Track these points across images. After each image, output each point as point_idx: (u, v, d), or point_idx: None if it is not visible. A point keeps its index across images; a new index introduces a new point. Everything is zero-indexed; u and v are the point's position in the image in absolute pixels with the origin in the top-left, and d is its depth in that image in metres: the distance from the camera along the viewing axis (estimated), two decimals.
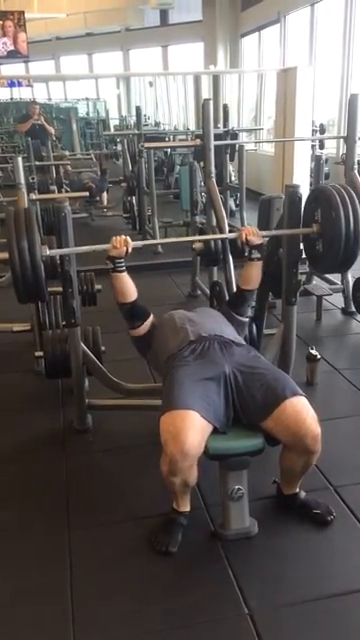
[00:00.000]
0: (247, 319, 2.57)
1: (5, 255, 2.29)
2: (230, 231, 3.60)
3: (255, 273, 2.52)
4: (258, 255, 2.49)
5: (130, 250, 2.38)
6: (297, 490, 2.18)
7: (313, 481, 2.28)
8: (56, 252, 2.45)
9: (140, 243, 2.45)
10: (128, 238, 2.39)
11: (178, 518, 2.07)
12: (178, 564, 1.98)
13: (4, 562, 2.05)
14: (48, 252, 2.38)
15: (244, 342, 2.36)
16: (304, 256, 2.70)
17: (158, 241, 2.48)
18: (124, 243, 2.37)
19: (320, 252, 2.54)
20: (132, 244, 2.39)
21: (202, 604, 1.83)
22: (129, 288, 2.42)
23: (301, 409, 1.96)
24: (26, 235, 2.27)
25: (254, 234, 2.48)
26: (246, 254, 2.52)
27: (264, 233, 2.55)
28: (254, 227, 2.55)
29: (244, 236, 2.47)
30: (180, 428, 1.86)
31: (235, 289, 2.57)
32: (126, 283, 2.41)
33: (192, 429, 1.87)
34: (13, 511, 2.31)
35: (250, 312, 2.66)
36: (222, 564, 1.96)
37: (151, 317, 2.48)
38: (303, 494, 2.18)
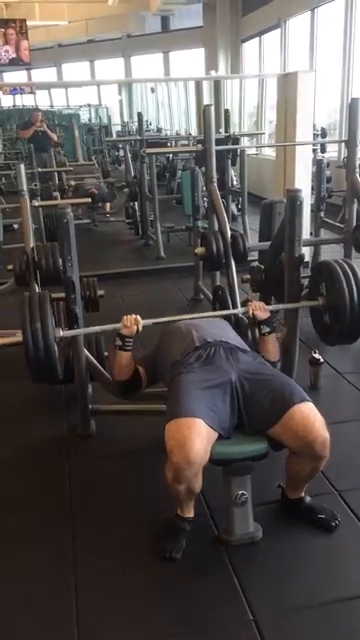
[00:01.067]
0: None
1: (19, 339, 2.31)
2: (233, 242, 3.59)
3: (272, 346, 2.46)
4: (268, 329, 2.45)
5: (141, 329, 2.37)
6: (302, 495, 2.17)
7: (318, 485, 2.27)
8: (70, 333, 2.49)
9: (150, 321, 2.45)
10: (138, 317, 2.39)
11: (182, 524, 2.06)
12: (182, 570, 1.98)
13: (9, 568, 2.04)
14: (62, 333, 2.41)
15: (249, 348, 2.35)
16: (307, 260, 2.71)
17: (169, 318, 2.51)
18: (134, 322, 2.37)
19: (328, 324, 2.57)
20: (142, 322, 2.39)
21: (207, 610, 1.83)
22: (128, 368, 2.41)
23: (309, 415, 1.96)
24: (40, 320, 2.29)
25: (261, 309, 2.45)
26: (257, 329, 2.49)
27: (271, 308, 2.53)
28: (261, 303, 2.52)
29: (251, 311, 2.45)
30: (186, 436, 1.86)
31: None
32: (128, 363, 2.40)
33: (198, 437, 1.87)
34: (17, 517, 2.31)
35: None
36: (226, 570, 1.96)
37: (141, 371, 2.45)
38: (308, 499, 2.18)
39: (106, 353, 2.95)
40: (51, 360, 2.32)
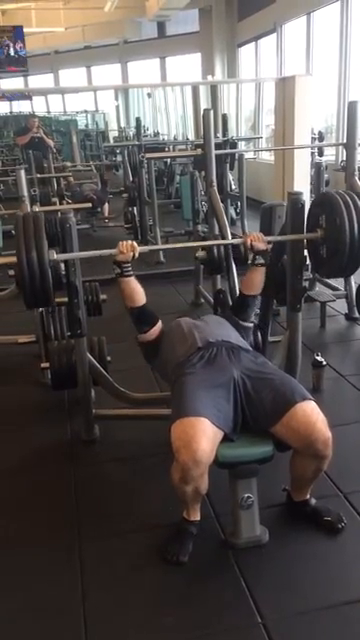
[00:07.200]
0: (251, 324, 2.54)
1: (13, 259, 2.30)
2: (233, 245, 3.60)
3: (258, 279, 2.49)
4: (262, 261, 2.46)
5: (137, 255, 2.39)
6: (308, 497, 2.17)
7: (323, 488, 2.28)
8: (63, 257, 2.46)
9: (147, 248, 2.46)
10: (134, 243, 2.40)
11: (188, 527, 2.06)
12: (189, 574, 1.97)
13: (15, 575, 2.04)
14: (56, 256, 2.39)
15: (251, 348, 2.36)
16: (307, 262, 2.70)
17: (164, 246, 2.49)
18: (131, 248, 2.38)
19: (324, 257, 2.53)
20: (139, 249, 2.40)
21: (215, 613, 1.82)
22: (137, 292, 2.42)
23: (311, 413, 1.96)
24: (34, 239, 2.27)
25: (259, 240, 2.46)
26: (249, 260, 2.50)
27: (269, 238, 2.54)
28: (259, 233, 2.53)
29: (249, 242, 2.46)
30: (192, 436, 1.86)
31: (238, 294, 2.55)
32: (134, 287, 2.41)
33: (204, 436, 1.87)
34: (23, 523, 2.30)
35: (255, 318, 2.63)
36: (234, 573, 1.96)
37: (159, 323, 2.48)
38: (313, 501, 2.18)
39: (109, 358, 2.96)
40: (45, 282, 2.30)
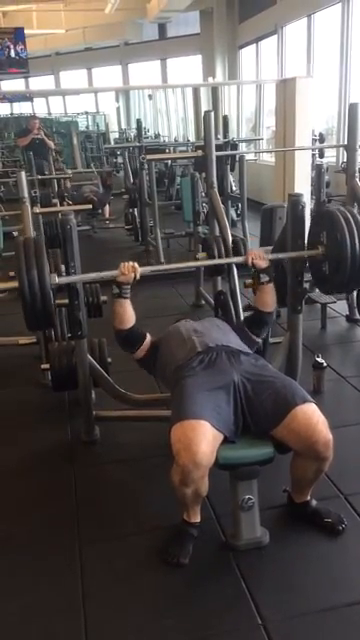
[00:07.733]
0: (260, 341, 2.51)
1: (15, 284, 2.30)
2: (234, 247, 3.60)
3: (269, 296, 2.47)
4: (267, 278, 2.45)
5: (138, 277, 2.38)
6: (308, 498, 2.17)
7: (323, 489, 2.28)
8: (65, 280, 2.47)
9: (148, 269, 2.46)
10: (136, 264, 2.39)
11: (189, 529, 2.06)
12: (190, 575, 1.97)
13: (15, 577, 2.04)
14: (57, 280, 2.39)
15: (251, 351, 2.36)
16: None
17: (166, 267, 2.50)
18: (132, 269, 2.38)
19: (326, 274, 2.54)
20: (140, 270, 2.39)
21: (215, 615, 1.82)
22: (129, 315, 2.42)
23: (311, 415, 1.96)
24: (36, 264, 2.27)
25: (260, 258, 2.45)
26: (254, 277, 2.49)
27: (271, 256, 2.52)
28: (260, 250, 2.52)
29: (250, 260, 2.46)
30: (192, 438, 1.86)
31: (254, 311, 2.54)
32: (127, 310, 2.42)
33: (204, 439, 1.87)
34: (23, 525, 2.30)
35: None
36: (234, 574, 1.95)
37: (148, 339, 2.47)
38: (314, 502, 2.17)
39: (109, 359, 2.96)
40: (47, 306, 2.30)
